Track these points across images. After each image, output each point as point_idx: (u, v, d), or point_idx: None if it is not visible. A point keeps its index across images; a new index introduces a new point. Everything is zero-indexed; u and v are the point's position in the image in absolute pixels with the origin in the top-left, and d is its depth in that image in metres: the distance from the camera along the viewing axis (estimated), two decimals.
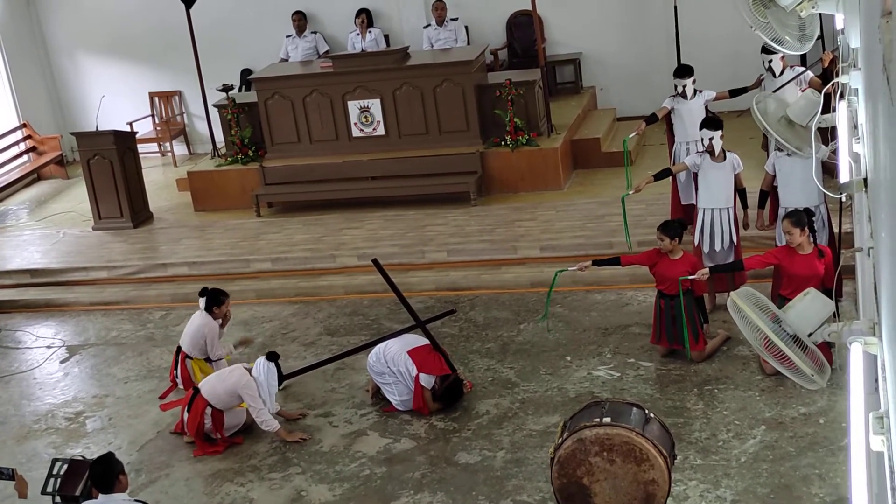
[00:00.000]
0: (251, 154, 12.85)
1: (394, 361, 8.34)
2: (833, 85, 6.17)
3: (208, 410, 8.14)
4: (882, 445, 3.10)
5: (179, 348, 9.04)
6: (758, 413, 7.80)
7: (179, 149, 15.32)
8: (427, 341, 8.53)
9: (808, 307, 4.53)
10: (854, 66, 5.43)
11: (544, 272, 10.21)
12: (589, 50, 14.14)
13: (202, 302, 8.89)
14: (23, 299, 11.56)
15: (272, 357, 8.24)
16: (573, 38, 14.16)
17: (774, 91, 10.10)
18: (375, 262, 8.77)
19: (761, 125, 8.38)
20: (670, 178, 9.93)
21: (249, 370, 8.25)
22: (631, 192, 9.50)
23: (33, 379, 9.89)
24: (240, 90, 14.45)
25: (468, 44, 13.86)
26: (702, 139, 9.25)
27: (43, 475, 7.05)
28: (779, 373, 4.92)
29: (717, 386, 8.24)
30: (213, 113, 13.24)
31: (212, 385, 8.26)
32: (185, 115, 15.42)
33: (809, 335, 4.54)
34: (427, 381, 8.29)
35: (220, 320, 8.94)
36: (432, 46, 13.84)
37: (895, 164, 2.99)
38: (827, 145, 8.60)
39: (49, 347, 10.50)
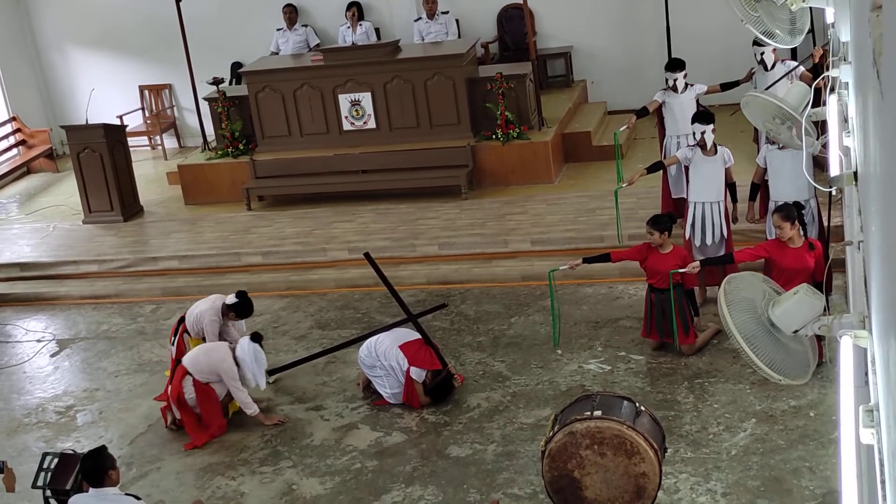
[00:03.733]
0: (242, 147, 12.81)
1: (385, 355, 8.34)
2: (823, 79, 6.18)
3: (189, 379, 8.18)
4: (872, 438, 3.11)
5: (183, 318, 8.97)
6: (748, 406, 7.82)
7: (170, 142, 15.27)
8: (419, 335, 8.53)
9: (796, 307, 4.52)
10: (844, 60, 5.44)
11: (535, 265, 10.22)
12: (580, 43, 14.13)
13: (230, 298, 8.80)
14: (13, 293, 11.52)
15: (256, 338, 8.30)
16: (564, 31, 14.14)
17: (766, 88, 10.08)
18: (367, 255, 8.76)
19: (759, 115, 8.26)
20: (661, 171, 9.94)
21: (234, 350, 8.29)
22: (624, 185, 9.49)
23: (23, 373, 9.87)
24: (230, 83, 14.40)
25: (459, 37, 13.83)
26: (693, 133, 9.26)
27: (33, 469, 7.02)
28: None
29: (707, 379, 8.26)
30: (204, 106, 13.20)
31: (195, 356, 8.33)
32: (175, 109, 15.37)
33: (795, 332, 4.55)
34: (418, 374, 8.29)
35: (229, 323, 8.90)
36: (423, 40, 13.80)
37: (885, 157, 2.99)
38: (818, 139, 8.60)
39: (39, 341, 10.47)
